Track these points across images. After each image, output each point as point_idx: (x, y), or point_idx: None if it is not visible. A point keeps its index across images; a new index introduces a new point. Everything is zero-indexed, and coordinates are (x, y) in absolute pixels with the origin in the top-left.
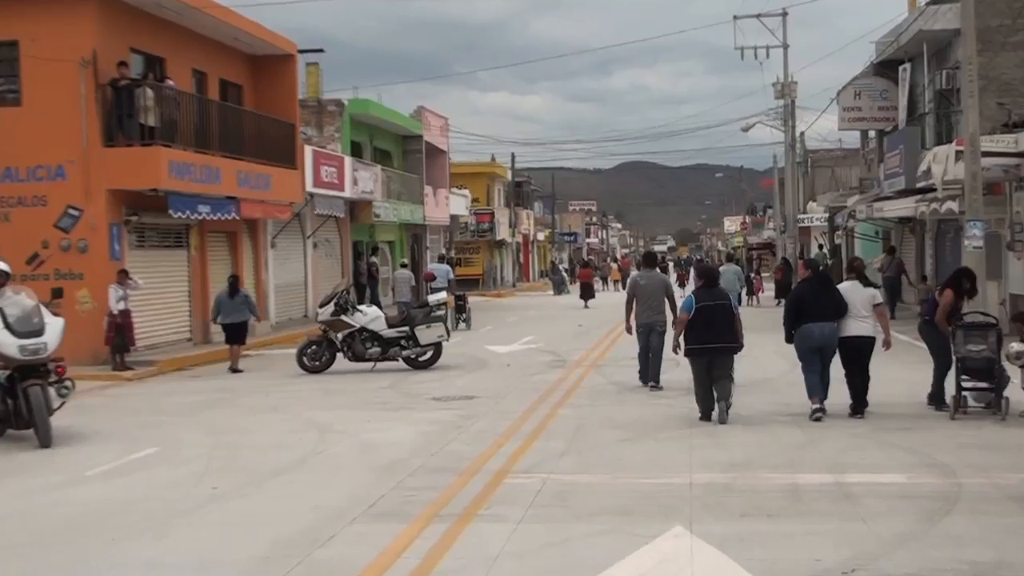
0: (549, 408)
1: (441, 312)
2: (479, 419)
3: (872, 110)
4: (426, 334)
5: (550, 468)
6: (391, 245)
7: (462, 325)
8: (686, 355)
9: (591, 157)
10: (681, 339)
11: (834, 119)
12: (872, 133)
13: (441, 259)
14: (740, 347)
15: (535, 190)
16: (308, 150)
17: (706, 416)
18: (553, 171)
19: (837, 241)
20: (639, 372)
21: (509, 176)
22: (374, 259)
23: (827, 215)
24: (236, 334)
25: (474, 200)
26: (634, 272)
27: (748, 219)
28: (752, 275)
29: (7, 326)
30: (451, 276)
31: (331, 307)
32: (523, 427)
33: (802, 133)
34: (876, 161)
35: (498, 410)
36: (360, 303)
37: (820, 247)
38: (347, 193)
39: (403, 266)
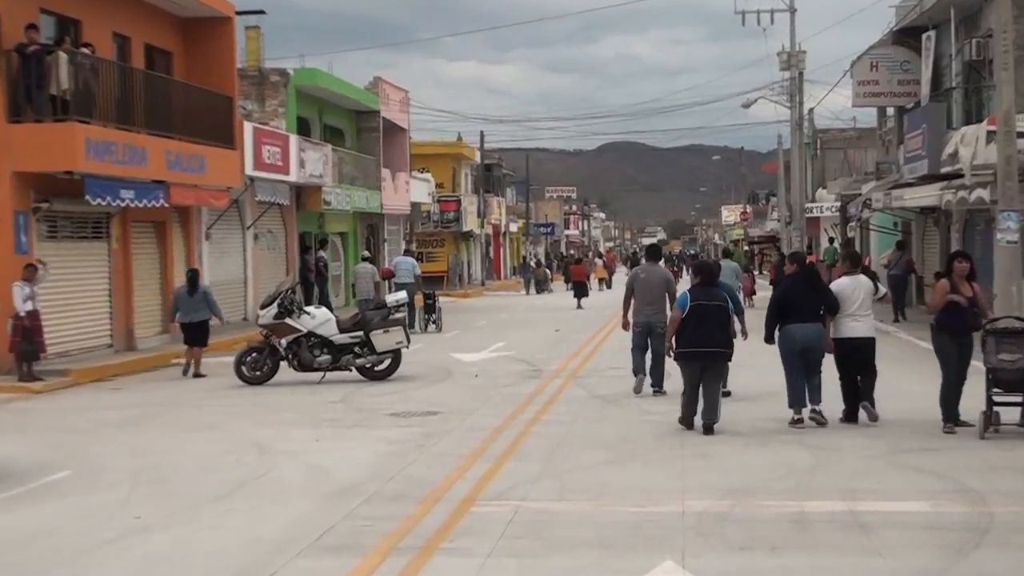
0: (522, 425)
1: (401, 314)
2: (443, 438)
3: (891, 84)
4: (383, 340)
5: (523, 494)
6: (343, 237)
7: (431, 327)
8: (676, 359)
9: (571, 136)
10: (673, 340)
11: (847, 94)
12: (891, 110)
13: (407, 252)
14: (730, 354)
15: (507, 174)
16: (248, 127)
17: (687, 422)
18: (528, 152)
19: (850, 234)
20: (633, 368)
21: (478, 158)
22: (323, 253)
23: (839, 204)
24: (196, 335)
25: (438, 185)
26: (622, 267)
27: (749, 208)
28: (744, 273)
29: None
30: (417, 271)
31: (274, 308)
32: (493, 447)
33: (811, 110)
34: (895, 143)
35: (465, 427)
36: (307, 303)
37: (831, 240)
38: (293, 177)
39: (365, 259)
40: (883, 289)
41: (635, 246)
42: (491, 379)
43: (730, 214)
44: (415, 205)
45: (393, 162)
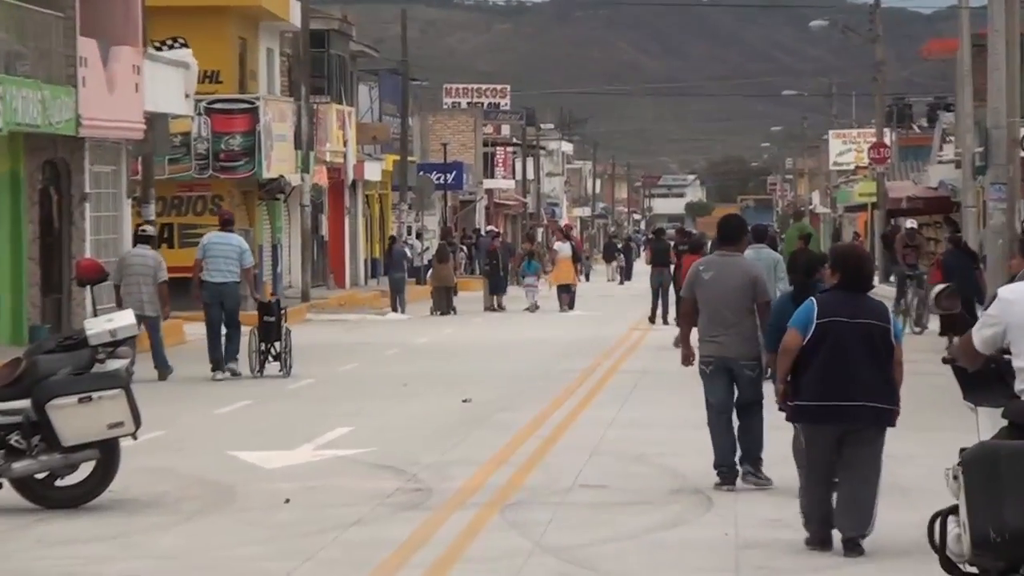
0: None
1: (119, 364)
2: None
3: None
4: (77, 419)
5: None
6: None
7: (274, 365)
8: (793, 419)
9: None
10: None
11: None
12: None
13: (227, 223)
14: (892, 414)
15: (363, 54)
16: None
17: (821, 542)
18: (407, 7)
19: None
20: (716, 458)
21: (297, 19)
22: None
23: None
24: None
25: (208, 77)
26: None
27: (891, 136)
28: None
29: None
30: (247, 261)
31: None
32: None
33: None
34: None
35: None
36: None
37: None
38: None
39: (143, 238)
40: None
41: (639, 217)
42: (318, 510)
43: (846, 146)
44: (156, 120)
45: (107, 26)
